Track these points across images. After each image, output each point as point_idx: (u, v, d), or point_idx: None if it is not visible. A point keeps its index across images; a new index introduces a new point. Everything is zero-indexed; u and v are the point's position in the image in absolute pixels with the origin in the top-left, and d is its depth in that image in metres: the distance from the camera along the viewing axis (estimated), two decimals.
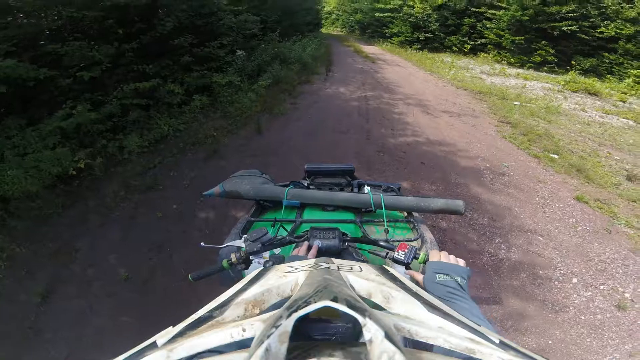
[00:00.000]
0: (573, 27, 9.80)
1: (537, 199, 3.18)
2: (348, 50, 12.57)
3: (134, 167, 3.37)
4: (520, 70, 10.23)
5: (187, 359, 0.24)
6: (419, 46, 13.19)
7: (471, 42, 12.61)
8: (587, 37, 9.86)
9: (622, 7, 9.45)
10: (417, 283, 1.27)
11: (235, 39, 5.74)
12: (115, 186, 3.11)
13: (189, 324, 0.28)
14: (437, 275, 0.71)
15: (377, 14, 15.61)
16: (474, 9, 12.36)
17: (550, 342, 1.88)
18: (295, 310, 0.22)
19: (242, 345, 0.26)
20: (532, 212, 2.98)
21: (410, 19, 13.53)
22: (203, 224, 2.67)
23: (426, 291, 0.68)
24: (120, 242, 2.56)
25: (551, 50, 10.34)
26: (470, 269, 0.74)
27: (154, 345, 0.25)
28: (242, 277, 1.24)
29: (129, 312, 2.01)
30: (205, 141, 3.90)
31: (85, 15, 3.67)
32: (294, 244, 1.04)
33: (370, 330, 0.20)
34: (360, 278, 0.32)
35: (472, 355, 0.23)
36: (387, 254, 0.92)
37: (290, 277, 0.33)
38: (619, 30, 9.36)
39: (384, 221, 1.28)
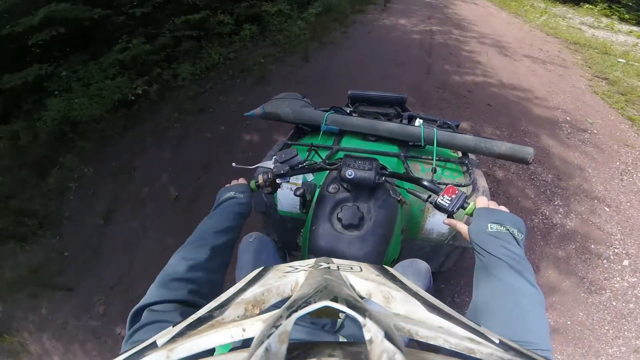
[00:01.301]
0: None
1: (617, 163, 2.72)
2: None
3: (186, 92, 3.51)
4: (635, 28, 8.12)
5: (187, 359, 0.24)
6: None
7: None
8: None
9: None
10: (453, 235, 1.15)
11: None
12: (170, 109, 3.30)
13: (189, 324, 0.28)
14: (489, 224, 0.59)
15: None
16: None
17: (568, 322, 1.74)
18: (295, 310, 0.22)
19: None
20: (607, 177, 2.57)
21: None
22: (247, 146, 2.78)
23: (471, 244, 0.62)
24: (172, 161, 2.77)
25: None
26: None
27: (154, 345, 0.25)
28: (274, 202, 1.23)
29: (176, 234, 2.16)
30: (253, 68, 3.87)
31: None
32: (326, 171, 0.97)
33: (370, 330, 0.20)
34: (360, 278, 0.32)
35: (472, 355, 0.23)
36: (429, 197, 0.79)
37: (290, 277, 0.33)
38: None
39: (432, 159, 1.14)
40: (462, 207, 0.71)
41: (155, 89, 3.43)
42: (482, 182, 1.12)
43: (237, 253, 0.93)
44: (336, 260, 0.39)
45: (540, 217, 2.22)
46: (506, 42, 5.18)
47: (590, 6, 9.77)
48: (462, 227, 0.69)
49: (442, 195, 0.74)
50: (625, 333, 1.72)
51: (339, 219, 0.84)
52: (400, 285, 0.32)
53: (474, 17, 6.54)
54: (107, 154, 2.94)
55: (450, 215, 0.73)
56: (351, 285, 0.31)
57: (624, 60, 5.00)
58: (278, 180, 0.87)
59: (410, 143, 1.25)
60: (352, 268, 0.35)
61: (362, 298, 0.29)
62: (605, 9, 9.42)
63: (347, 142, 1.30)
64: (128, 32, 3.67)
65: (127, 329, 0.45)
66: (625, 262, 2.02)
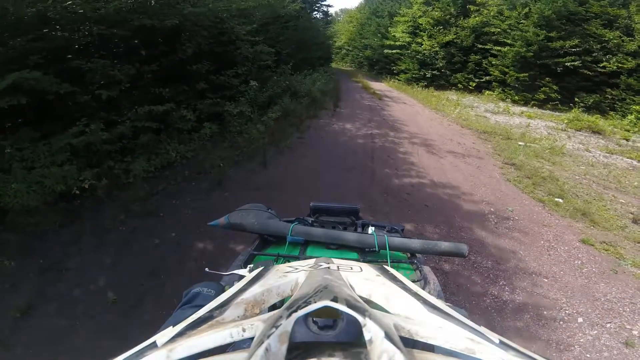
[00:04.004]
0: (576, 63, 10.01)
1: (542, 242, 3.14)
2: (356, 86, 13.00)
3: (136, 192, 3.39)
4: (524, 109, 10.36)
5: (187, 359, 0.24)
6: (425, 84, 13.60)
7: (476, 80, 12.95)
8: (589, 73, 10.02)
9: (622, 41, 9.71)
10: None
11: (250, 69, 5.81)
12: (116, 209, 3.12)
13: (189, 324, 0.28)
14: None
15: (386, 51, 16.32)
16: (480, 46, 12.81)
17: None
18: (295, 310, 0.23)
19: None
20: (537, 255, 2.95)
21: (417, 56, 14.08)
22: (200, 255, 2.64)
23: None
24: (112, 265, 2.53)
25: (555, 87, 10.45)
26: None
27: (154, 345, 0.25)
28: None
29: (111, 336, 1.94)
30: (210, 171, 3.92)
31: (114, 34, 3.68)
32: None
33: (370, 330, 0.20)
34: (360, 278, 0.32)
35: (472, 355, 0.23)
36: None
37: (290, 277, 0.33)
38: (620, 65, 9.52)
39: (387, 262, 1.27)
40: None
41: (104, 184, 3.23)
42: (431, 277, 1.23)
43: None
44: (336, 261, 0.38)
45: (491, 297, 2.39)
46: (431, 140, 6.08)
47: (489, 92, 12.32)
48: None
49: None
50: None
51: (315, 322, 0.86)
52: (400, 285, 0.31)
53: (404, 117, 7.75)
54: (35, 250, 2.60)
55: None
56: (351, 286, 0.30)
57: (522, 143, 6.08)
58: None
59: (366, 249, 1.36)
60: (352, 268, 0.35)
61: (362, 298, 0.28)
62: (500, 93, 11.92)
63: (312, 252, 1.36)
64: (88, 114, 3.43)
65: None
66: (580, 319, 2.23)
